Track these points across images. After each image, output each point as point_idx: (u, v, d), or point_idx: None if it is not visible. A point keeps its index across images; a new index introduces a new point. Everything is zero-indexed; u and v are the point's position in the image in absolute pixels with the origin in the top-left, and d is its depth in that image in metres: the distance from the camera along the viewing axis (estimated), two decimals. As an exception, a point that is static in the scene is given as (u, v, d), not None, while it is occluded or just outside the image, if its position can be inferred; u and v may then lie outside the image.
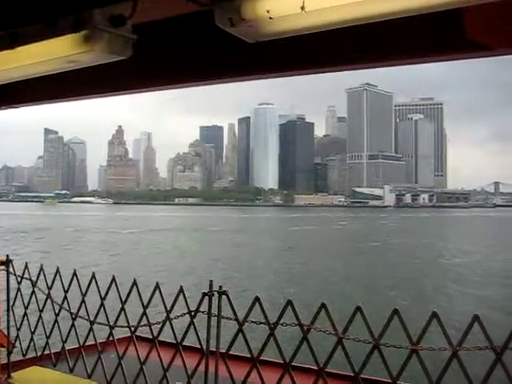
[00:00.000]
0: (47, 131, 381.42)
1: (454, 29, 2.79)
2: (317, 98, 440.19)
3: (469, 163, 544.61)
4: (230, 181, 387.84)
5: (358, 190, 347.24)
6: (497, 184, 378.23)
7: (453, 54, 3.21)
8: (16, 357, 7.16)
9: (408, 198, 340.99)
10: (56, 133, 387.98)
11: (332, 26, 2.45)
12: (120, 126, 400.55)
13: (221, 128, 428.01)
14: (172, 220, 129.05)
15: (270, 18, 2.39)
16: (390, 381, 4.79)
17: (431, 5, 2.18)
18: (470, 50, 2.96)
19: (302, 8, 2.28)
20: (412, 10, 2.24)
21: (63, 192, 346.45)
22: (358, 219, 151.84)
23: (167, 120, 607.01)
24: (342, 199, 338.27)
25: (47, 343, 7.24)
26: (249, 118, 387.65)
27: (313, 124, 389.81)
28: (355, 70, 3.77)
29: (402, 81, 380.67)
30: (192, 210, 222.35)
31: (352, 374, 4.99)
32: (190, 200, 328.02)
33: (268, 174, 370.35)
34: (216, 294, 5.38)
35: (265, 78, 4.20)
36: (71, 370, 6.67)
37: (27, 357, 7.28)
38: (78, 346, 6.79)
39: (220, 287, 5.39)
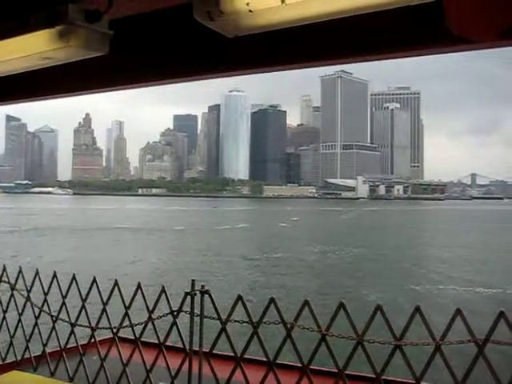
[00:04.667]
0: (9, 118, 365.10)
1: (435, 22, 2.77)
2: (293, 87, 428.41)
3: (446, 155, 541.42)
4: (199, 171, 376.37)
5: (331, 181, 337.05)
6: (474, 176, 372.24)
7: (435, 48, 3.17)
8: None
9: (382, 190, 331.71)
10: (18, 120, 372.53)
11: (313, 20, 2.42)
12: (87, 114, 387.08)
13: (195, 117, 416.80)
14: (106, 213, 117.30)
15: (250, 10, 2.34)
16: (374, 376, 4.83)
17: None
18: (452, 44, 2.96)
19: (283, 1, 2.25)
20: (392, 2, 2.23)
21: (24, 182, 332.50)
22: (315, 214, 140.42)
23: (143, 109, 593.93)
24: (314, 190, 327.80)
25: (27, 347, 7.07)
26: (219, 105, 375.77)
27: (285, 112, 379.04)
28: (337, 65, 3.72)
29: (378, 69, 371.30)
30: (151, 201, 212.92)
31: (336, 371, 5.01)
32: (154, 191, 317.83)
33: (238, 164, 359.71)
34: (198, 294, 5.40)
35: (245, 73, 4.11)
36: (52, 374, 6.59)
37: (6, 361, 7.16)
38: (59, 348, 6.70)
39: (202, 286, 5.41)
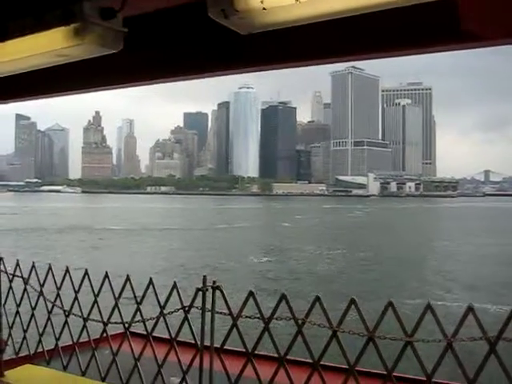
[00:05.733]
0: (19, 117, 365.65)
1: (448, 20, 2.79)
2: (303, 83, 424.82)
3: (458, 151, 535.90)
4: (209, 168, 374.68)
5: (341, 178, 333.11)
6: (487, 172, 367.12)
7: (447, 45, 3.22)
8: (8, 355, 7.24)
9: (393, 187, 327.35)
10: (28, 118, 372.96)
11: (326, 17, 2.45)
12: (97, 112, 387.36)
13: (205, 114, 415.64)
14: (99, 212, 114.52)
15: (264, 8, 2.37)
16: (385, 372, 4.85)
17: None
18: (464, 41, 2.98)
19: None
20: (403, 1, 2.26)
21: (34, 181, 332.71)
22: (323, 213, 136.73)
23: (153, 107, 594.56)
24: (324, 188, 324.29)
25: (40, 341, 7.16)
26: (228, 102, 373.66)
27: (295, 109, 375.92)
28: (350, 61, 3.80)
29: (389, 65, 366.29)
30: (162, 199, 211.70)
31: (347, 367, 5.03)
32: (163, 189, 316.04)
33: (248, 162, 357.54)
34: (210, 289, 5.43)
35: (259, 70, 4.14)
36: (65, 368, 6.69)
37: (20, 355, 7.24)
38: (71, 343, 6.77)
39: (214, 282, 5.43)
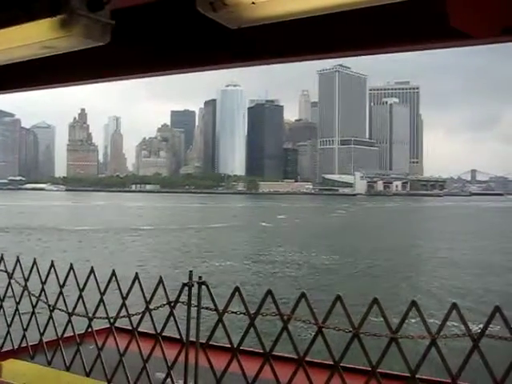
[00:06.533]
0: (2, 113, 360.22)
1: (437, 17, 2.80)
2: (291, 82, 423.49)
3: (445, 150, 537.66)
4: (195, 167, 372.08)
5: (328, 176, 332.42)
6: (473, 172, 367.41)
7: (436, 43, 3.21)
8: None
9: (380, 186, 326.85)
10: (12, 115, 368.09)
11: (315, 13, 2.44)
12: (83, 110, 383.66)
13: (192, 112, 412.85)
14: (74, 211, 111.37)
15: (253, 2, 2.36)
16: (369, 368, 4.89)
17: None
18: (453, 39, 3.00)
19: None
20: None
21: (18, 178, 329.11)
22: (306, 212, 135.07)
23: (141, 106, 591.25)
24: (311, 186, 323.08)
25: (24, 335, 7.00)
26: (215, 100, 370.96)
27: (282, 107, 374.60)
28: (339, 58, 3.82)
29: (377, 63, 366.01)
30: (145, 197, 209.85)
31: (332, 363, 5.06)
32: (148, 187, 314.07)
33: (235, 160, 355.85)
34: (196, 285, 5.45)
35: (248, 65, 4.11)
36: (49, 363, 6.63)
37: (4, 349, 7.14)
38: (56, 337, 6.73)
39: (200, 277, 5.47)
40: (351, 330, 4.90)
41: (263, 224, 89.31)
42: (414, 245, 60.69)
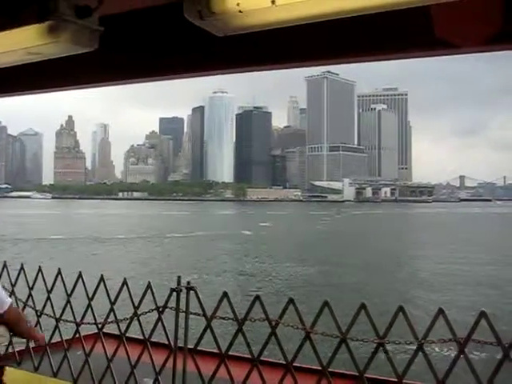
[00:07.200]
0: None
1: (421, 26, 2.85)
2: (280, 88, 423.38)
3: (434, 157, 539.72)
4: (183, 174, 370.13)
5: (317, 183, 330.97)
6: (462, 178, 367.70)
7: (421, 52, 3.26)
8: None
9: (369, 192, 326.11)
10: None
11: (303, 21, 2.47)
12: (70, 117, 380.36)
13: (181, 119, 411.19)
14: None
15: (240, 11, 2.38)
16: (357, 374, 4.96)
17: (397, 2, 2.25)
18: (437, 48, 3.04)
19: (273, 2, 2.29)
20: (379, 6, 2.29)
21: (3, 186, 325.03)
22: (292, 219, 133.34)
23: (129, 113, 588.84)
24: (299, 193, 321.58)
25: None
26: (203, 107, 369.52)
27: (270, 113, 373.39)
28: (326, 65, 3.77)
29: (365, 70, 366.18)
30: (131, 205, 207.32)
31: (320, 368, 5.12)
32: (136, 194, 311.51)
33: (223, 167, 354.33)
34: (184, 290, 5.49)
35: (235, 72, 4.17)
36: (36, 369, 6.63)
37: None
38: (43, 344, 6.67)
39: (188, 282, 5.51)
40: (339, 335, 4.92)
41: (246, 232, 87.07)
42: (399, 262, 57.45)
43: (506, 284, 37.71)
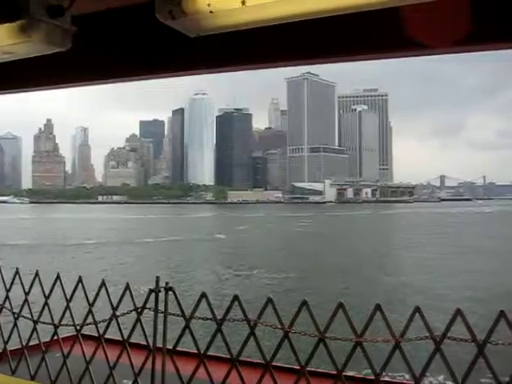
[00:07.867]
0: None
1: (392, 27, 2.90)
2: (262, 90, 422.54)
3: (414, 157, 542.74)
4: (164, 177, 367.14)
5: (298, 185, 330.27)
6: (442, 178, 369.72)
7: (393, 53, 3.33)
8: None
9: (350, 193, 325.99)
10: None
11: (272, 22, 2.49)
12: (49, 120, 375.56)
13: (162, 122, 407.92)
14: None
15: (211, 11, 2.39)
16: (335, 372, 4.99)
17: (367, 3, 2.25)
18: (409, 49, 3.10)
19: (243, 2, 2.30)
20: (350, 7, 2.29)
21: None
22: (270, 222, 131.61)
23: (109, 116, 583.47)
24: (280, 195, 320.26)
25: None
26: (183, 109, 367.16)
27: (251, 115, 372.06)
28: (298, 66, 3.83)
29: (344, 71, 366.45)
30: (108, 209, 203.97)
31: (299, 368, 5.14)
32: (115, 198, 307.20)
33: (204, 169, 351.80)
34: (162, 291, 5.49)
35: (208, 72, 4.20)
36: (13, 372, 6.51)
37: None
38: (20, 346, 6.64)
39: (166, 283, 5.50)
40: (317, 334, 4.93)
41: (220, 236, 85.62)
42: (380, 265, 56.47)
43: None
